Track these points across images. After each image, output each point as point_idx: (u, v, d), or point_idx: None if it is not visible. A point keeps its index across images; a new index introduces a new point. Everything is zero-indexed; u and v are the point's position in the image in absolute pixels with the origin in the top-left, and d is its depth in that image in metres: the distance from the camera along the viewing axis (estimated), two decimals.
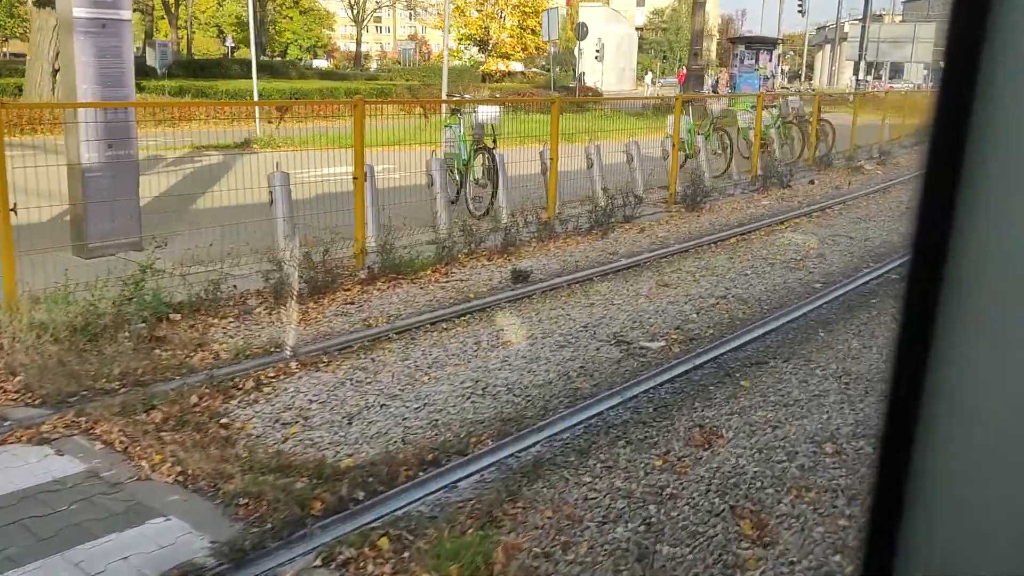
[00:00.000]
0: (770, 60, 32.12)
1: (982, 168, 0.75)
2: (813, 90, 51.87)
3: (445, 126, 10.87)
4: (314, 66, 58.49)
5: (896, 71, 58.53)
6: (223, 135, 16.50)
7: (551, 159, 9.72)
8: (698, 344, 5.76)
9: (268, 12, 62.84)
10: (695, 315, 6.47)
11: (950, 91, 0.77)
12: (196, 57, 53.60)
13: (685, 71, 45.27)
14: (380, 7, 67.93)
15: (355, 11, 61.74)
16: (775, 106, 17.09)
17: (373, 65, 68.49)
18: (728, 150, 14.46)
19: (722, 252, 8.82)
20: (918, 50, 51.64)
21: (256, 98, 19.87)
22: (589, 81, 52.06)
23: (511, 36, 52.26)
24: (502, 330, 5.92)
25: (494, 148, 10.27)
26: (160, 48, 37.10)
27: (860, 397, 4.82)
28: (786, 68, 77.36)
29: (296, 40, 77.48)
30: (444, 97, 23.84)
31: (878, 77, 62.06)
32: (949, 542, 0.80)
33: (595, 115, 18.72)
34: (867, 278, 7.70)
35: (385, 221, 8.06)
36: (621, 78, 67.44)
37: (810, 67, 79.73)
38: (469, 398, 4.65)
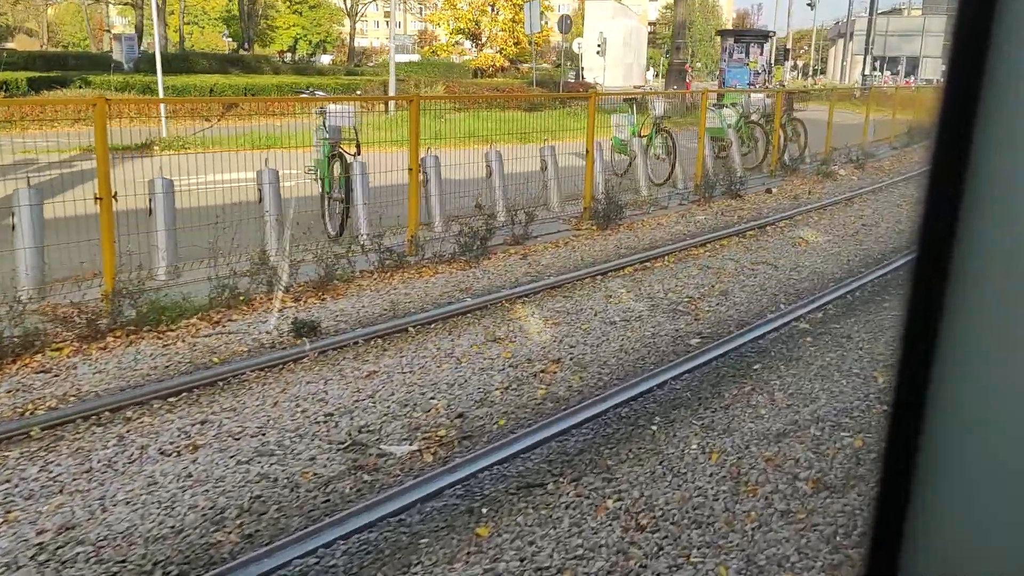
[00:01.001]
0: (761, 54, 30.18)
1: (989, 162, 0.73)
2: (821, 85, 49.97)
3: (317, 128, 9.23)
4: (323, 61, 56.98)
5: (914, 66, 56.21)
6: (131, 134, 14.90)
7: (410, 168, 8.04)
8: (468, 447, 4.09)
9: (259, 6, 61.40)
10: (499, 392, 4.79)
11: (957, 84, 0.75)
12: (197, 51, 52.31)
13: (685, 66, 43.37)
14: (374, 0, 66.31)
15: (348, 5, 60.13)
16: (735, 104, 15.34)
17: (370, 61, 66.82)
18: (672, 154, 12.73)
19: (603, 288, 7.13)
20: (928, 44, 49.60)
21: (161, 95, 18.30)
22: (590, 77, 50.25)
23: (504, 30, 50.47)
24: (203, 423, 4.26)
25: (358, 155, 8.64)
26: (126, 43, 35.84)
27: (641, 561, 3.13)
28: (799, 63, 75.24)
29: (305, 35, 76.04)
30: (391, 95, 22.27)
31: (895, 73, 59.77)
32: (954, 541, 0.78)
33: (538, 114, 17.04)
34: (765, 329, 5.99)
35: (199, 247, 6.43)
36: (629, 74, 65.45)
37: (825, 62, 77.51)
38: None
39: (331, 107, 8.35)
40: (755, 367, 5.31)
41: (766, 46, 30.26)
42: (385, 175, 8.32)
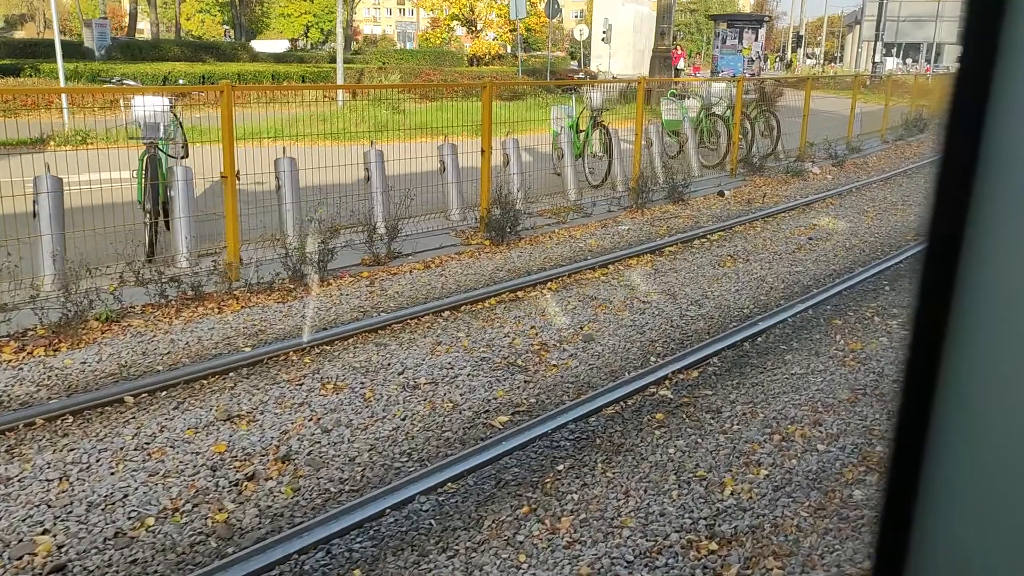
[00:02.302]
0: (755, 40, 28.42)
1: (1003, 150, 0.70)
2: (832, 73, 48.02)
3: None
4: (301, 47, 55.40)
5: (938, 54, 53.94)
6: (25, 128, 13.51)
7: (223, 175, 6.57)
8: None
9: None
10: (155, 520, 3.32)
11: (970, 70, 0.72)
12: (195, 39, 51.24)
13: (680, 51, 41.61)
14: None
15: None
16: (695, 95, 13.77)
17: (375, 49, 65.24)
18: (610, 152, 11.18)
19: (440, 329, 5.65)
20: (942, 30, 47.52)
21: (63, 83, 16.95)
22: (597, 64, 48.42)
23: (499, 15, 48.79)
24: None
25: (184, 157, 7.22)
26: (97, 29, 34.57)
27: None
28: (815, 51, 73.19)
29: (317, 23, 74.70)
30: (340, 84, 20.83)
31: (915, 60, 57.46)
32: (962, 542, 0.76)
33: (518, 104, 15.52)
34: (608, 399, 4.49)
35: None
36: (641, 61, 63.45)
37: (844, 49, 75.31)
38: None
39: (138, 100, 6.87)
40: (559, 467, 3.81)
41: (760, 32, 28.50)
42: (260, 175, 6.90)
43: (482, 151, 8.55)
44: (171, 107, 7.23)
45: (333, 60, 39.79)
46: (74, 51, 32.59)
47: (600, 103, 11.38)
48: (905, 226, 9.41)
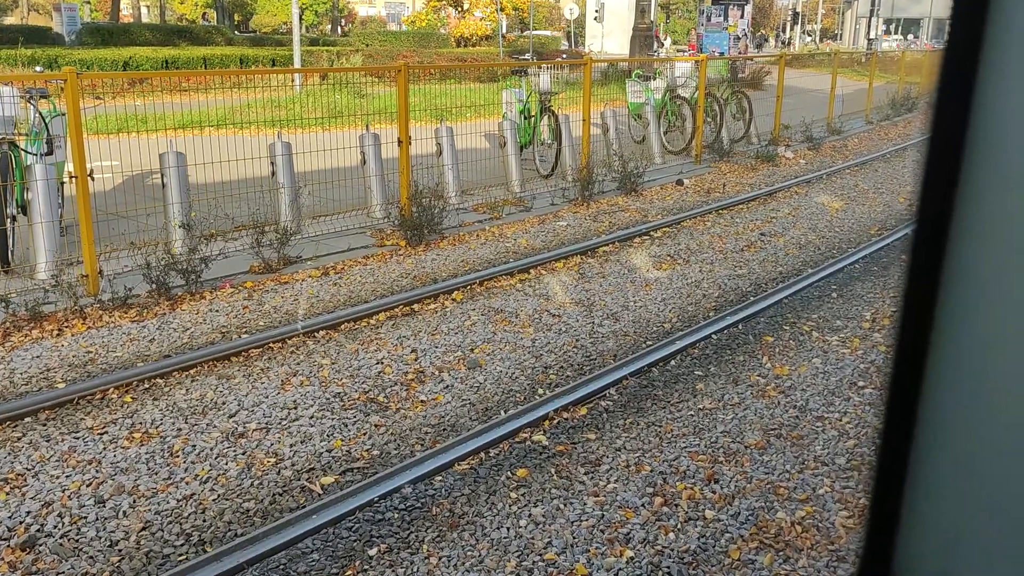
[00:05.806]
0: (741, 17, 27.40)
1: (992, 129, 0.67)
2: (830, 49, 46.99)
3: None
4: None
5: (941, 29, 52.81)
6: None
7: (73, 176, 5.77)
8: None
9: None
10: None
11: (958, 44, 0.68)
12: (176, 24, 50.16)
13: (657, 30, 40.54)
14: None
15: None
16: (656, 75, 12.90)
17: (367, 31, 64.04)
18: (559, 140, 10.36)
19: (302, 356, 4.87)
20: (937, 4, 46.34)
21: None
22: (592, 45, 47.31)
23: None
24: None
25: (48, 154, 6.44)
26: (67, 13, 33.63)
27: None
28: (813, 28, 72.03)
29: (312, 5, 73.50)
30: (296, 67, 19.99)
31: (916, 36, 56.35)
32: (950, 539, 0.74)
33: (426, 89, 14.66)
34: (471, 447, 3.72)
35: None
36: (641, 42, 62.31)
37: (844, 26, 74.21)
38: None
39: None
40: (371, 551, 3.03)
41: (747, 8, 27.49)
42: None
43: (399, 141, 7.74)
44: (31, 98, 6.46)
45: (315, 42, 38.94)
46: (43, 36, 31.71)
47: (548, 86, 10.55)
48: (871, 218, 8.59)
